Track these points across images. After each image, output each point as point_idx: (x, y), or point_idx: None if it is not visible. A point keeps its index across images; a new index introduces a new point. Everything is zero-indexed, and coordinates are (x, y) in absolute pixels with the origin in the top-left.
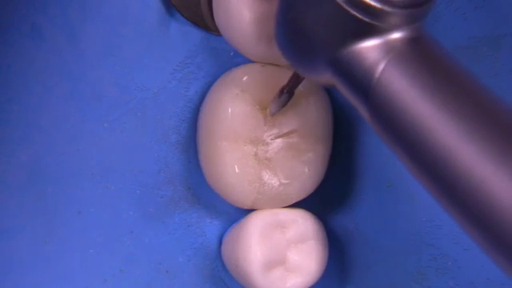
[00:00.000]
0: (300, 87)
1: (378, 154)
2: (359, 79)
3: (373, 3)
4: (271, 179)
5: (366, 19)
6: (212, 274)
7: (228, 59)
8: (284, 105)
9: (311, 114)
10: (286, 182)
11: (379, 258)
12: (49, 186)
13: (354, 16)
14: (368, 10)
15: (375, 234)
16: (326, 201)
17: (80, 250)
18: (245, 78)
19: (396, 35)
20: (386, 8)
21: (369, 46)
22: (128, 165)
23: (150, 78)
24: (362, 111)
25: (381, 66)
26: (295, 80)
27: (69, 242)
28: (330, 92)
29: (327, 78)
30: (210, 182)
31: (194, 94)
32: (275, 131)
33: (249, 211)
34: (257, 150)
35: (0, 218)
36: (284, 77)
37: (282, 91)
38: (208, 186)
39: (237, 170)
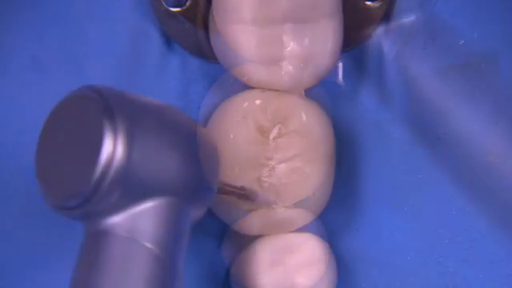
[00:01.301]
0: (302, 112)
1: (382, 173)
2: None
3: None
4: (276, 204)
5: None
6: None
7: (227, 86)
8: None
9: (313, 137)
10: (291, 206)
11: (388, 279)
12: None
13: None
14: None
15: (383, 254)
16: (331, 223)
17: None
18: (245, 105)
19: None
20: None
21: None
22: None
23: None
24: None
25: None
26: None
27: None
28: (332, 114)
29: None
30: (215, 210)
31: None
32: (278, 156)
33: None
34: (260, 175)
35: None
36: (284, 101)
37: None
38: None
39: None
